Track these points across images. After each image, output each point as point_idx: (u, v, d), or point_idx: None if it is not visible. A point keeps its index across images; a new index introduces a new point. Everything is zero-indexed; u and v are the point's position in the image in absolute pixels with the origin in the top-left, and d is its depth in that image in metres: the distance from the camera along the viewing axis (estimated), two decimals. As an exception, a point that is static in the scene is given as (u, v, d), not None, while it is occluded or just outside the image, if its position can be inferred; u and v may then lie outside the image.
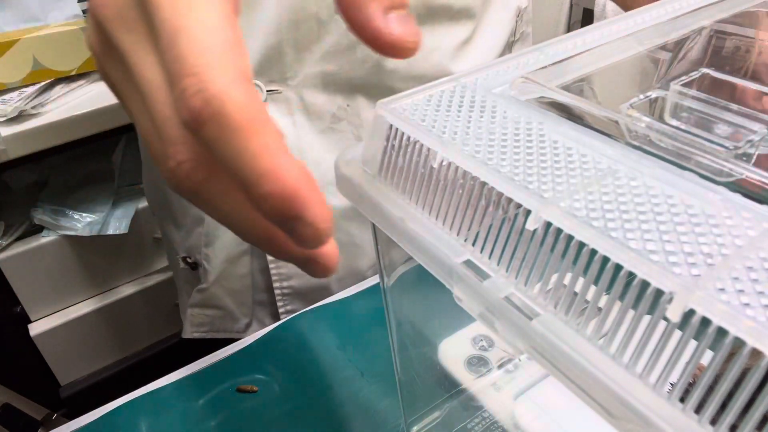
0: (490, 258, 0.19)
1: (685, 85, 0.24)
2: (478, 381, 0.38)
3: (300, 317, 0.49)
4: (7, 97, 0.83)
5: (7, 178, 1.03)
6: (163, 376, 0.45)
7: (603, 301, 0.16)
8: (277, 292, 0.57)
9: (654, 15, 0.29)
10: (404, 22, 0.19)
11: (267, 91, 0.49)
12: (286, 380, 0.44)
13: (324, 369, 0.45)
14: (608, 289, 0.16)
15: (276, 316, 0.61)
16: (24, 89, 0.84)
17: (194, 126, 0.15)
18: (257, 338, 0.48)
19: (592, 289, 0.16)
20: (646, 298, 0.15)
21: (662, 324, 0.14)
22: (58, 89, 0.87)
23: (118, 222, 0.98)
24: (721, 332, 0.13)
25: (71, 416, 0.46)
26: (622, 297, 0.15)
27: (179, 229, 0.60)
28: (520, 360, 0.39)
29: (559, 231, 0.17)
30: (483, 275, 0.18)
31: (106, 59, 0.19)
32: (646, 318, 0.15)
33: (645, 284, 0.15)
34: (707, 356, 0.14)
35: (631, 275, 0.15)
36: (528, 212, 0.17)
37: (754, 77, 0.24)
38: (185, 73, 0.15)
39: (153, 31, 0.17)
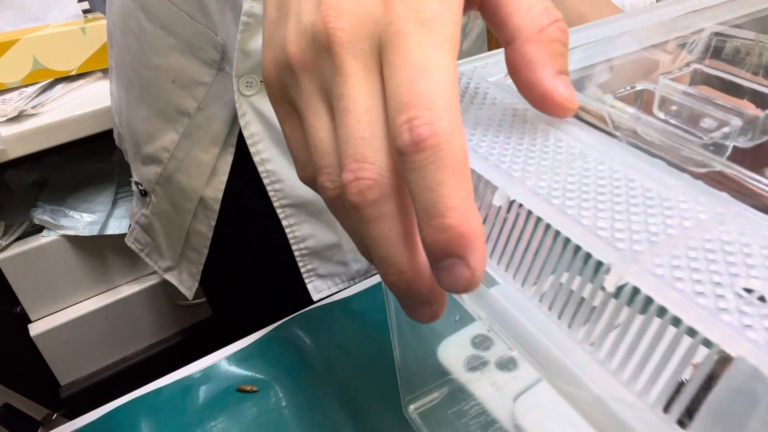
0: None
1: (674, 79, 0.24)
2: (477, 381, 0.38)
3: (300, 317, 0.49)
4: (7, 97, 0.83)
5: (7, 178, 1.03)
6: (163, 376, 0.45)
7: (565, 278, 0.17)
8: (296, 253, 0.59)
9: (657, 15, 0.30)
10: (568, 86, 0.21)
11: (261, 81, 0.51)
12: (286, 380, 0.44)
13: (324, 369, 0.45)
14: (558, 261, 0.17)
15: (195, 277, 0.66)
16: (24, 89, 0.85)
17: (411, 150, 0.17)
18: (257, 338, 0.48)
19: (552, 262, 0.17)
20: (589, 269, 0.16)
21: (601, 293, 0.16)
22: (58, 89, 0.87)
23: (118, 222, 0.98)
24: (649, 301, 0.15)
25: (71, 416, 0.46)
26: (569, 268, 0.17)
27: (137, 157, 0.63)
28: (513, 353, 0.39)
29: (521, 207, 0.18)
30: None
31: (304, 70, 0.20)
32: (592, 289, 0.16)
33: (589, 256, 0.16)
34: (638, 323, 0.15)
35: (578, 248, 0.16)
36: (496, 189, 0.19)
37: (750, 78, 0.24)
38: (420, 107, 0.17)
39: (388, 66, 0.18)
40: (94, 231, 0.95)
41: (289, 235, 0.58)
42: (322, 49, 0.19)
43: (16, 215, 0.98)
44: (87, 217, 0.97)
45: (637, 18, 0.29)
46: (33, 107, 0.81)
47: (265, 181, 0.55)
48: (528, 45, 0.21)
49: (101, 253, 1.01)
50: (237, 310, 0.73)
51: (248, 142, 0.53)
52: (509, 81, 0.24)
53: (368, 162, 0.18)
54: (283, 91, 0.22)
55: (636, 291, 0.15)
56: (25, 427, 0.94)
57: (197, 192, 0.59)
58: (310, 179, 0.22)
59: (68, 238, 0.97)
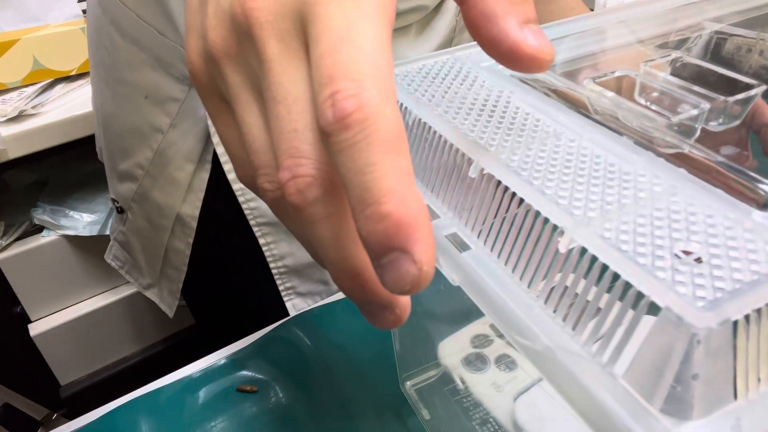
0: (442, 202, 0.22)
1: (655, 66, 0.25)
2: (477, 380, 0.38)
3: (300, 317, 0.49)
4: (7, 97, 0.83)
5: (7, 178, 1.03)
6: (163, 376, 0.45)
7: (527, 241, 0.19)
8: (274, 271, 0.58)
9: (652, 8, 0.30)
10: (539, 35, 0.19)
11: None
12: (286, 380, 0.44)
13: (324, 369, 0.45)
14: (521, 227, 0.19)
15: (176, 295, 0.65)
16: (24, 89, 0.84)
17: (335, 128, 0.15)
18: (257, 338, 0.48)
19: (516, 227, 0.19)
20: (546, 233, 0.18)
21: (555, 254, 0.17)
22: (58, 89, 0.87)
23: (118, 222, 0.98)
24: (594, 260, 0.16)
25: (71, 416, 0.46)
26: (530, 233, 0.18)
27: (113, 173, 0.62)
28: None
29: (491, 178, 0.20)
30: (433, 215, 0.22)
31: (228, 60, 0.18)
32: (548, 251, 0.18)
33: (547, 221, 0.18)
34: (585, 282, 0.17)
35: (538, 214, 0.18)
36: (471, 162, 0.20)
37: (733, 68, 0.25)
38: (343, 78, 0.15)
39: (310, 40, 0.16)
40: (94, 231, 0.95)
41: (267, 254, 0.57)
42: (243, 33, 0.18)
43: (16, 215, 0.98)
44: (87, 217, 0.97)
45: (636, 10, 0.30)
46: (33, 107, 0.81)
47: (240, 199, 0.54)
48: None
49: (101, 253, 1.01)
50: (219, 323, 0.73)
51: (221, 159, 0.52)
52: (501, 66, 0.24)
53: (303, 156, 0.17)
54: (211, 84, 0.20)
55: (584, 251, 0.16)
56: (25, 427, 0.94)
57: (173, 209, 0.57)
58: (249, 180, 0.20)
59: (68, 238, 0.97)
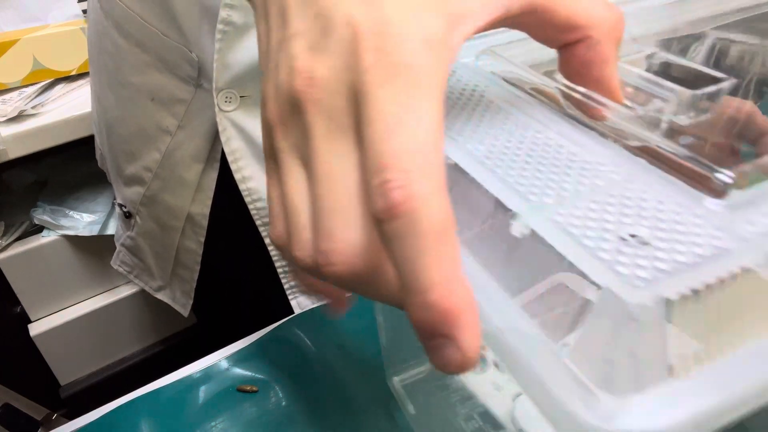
0: None
1: (630, 62, 0.25)
2: (477, 380, 0.38)
3: (300, 317, 0.49)
4: (7, 97, 0.83)
5: (7, 178, 1.03)
6: (164, 376, 0.45)
7: (488, 226, 0.20)
8: (279, 270, 0.59)
9: (649, 4, 0.31)
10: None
11: (240, 97, 0.50)
12: (286, 380, 0.44)
13: (324, 369, 0.45)
14: (484, 212, 0.19)
15: (189, 294, 0.64)
16: (24, 89, 0.84)
17: (385, 216, 0.15)
18: (257, 338, 0.48)
19: (478, 213, 0.20)
20: (506, 218, 0.18)
21: (511, 238, 0.18)
22: (58, 89, 0.87)
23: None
24: (544, 243, 0.17)
25: (71, 416, 0.46)
26: (490, 218, 0.19)
27: (119, 178, 0.62)
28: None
29: (457, 166, 0.20)
30: None
31: (281, 127, 0.19)
32: (504, 235, 0.18)
33: (506, 208, 0.18)
34: (538, 263, 0.18)
35: (498, 201, 0.19)
36: None
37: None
38: (394, 168, 0.15)
39: (363, 121, 0.17)
40: (94, 231, 0.95)
41: (272, 252, 0.57)
42: (295, 106, 0.18)
43: (16, 215, 0.98)
44: (87, 217, 0.97)
45: (632, 6, 0.30)
46: (33, 107, 0.81)
47: (247, 199, 0.54)
48: (605, 42, 0.21)
49: (101, 253, 1.01)
50: (224, 322, 0.73)
51: (229, 159, 0.52)
52: (481, 62, 0.26)
53: (339, 242, 0.17)
54: (270, 144, 0.20)
55: (535, 234, 0.17)
56: (25, 427, 0.94)
57: (184, 209, 0.58)
58: (281, 243, 0.20)
59: (68, 238, 0.97)
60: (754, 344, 0.15)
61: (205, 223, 0.58)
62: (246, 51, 0.47)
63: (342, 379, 0.43)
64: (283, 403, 0.42)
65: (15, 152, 0.79)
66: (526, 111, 0.23)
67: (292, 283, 0.59)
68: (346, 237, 0.17)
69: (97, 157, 0.69)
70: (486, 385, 0.38)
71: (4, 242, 0.94)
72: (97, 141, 0.66)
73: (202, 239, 0.60)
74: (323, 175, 0.17)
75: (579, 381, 0.15)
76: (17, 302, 0.98)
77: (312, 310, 0.50)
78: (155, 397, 0.43)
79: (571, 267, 0.16)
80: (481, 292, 0.18)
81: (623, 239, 0.16)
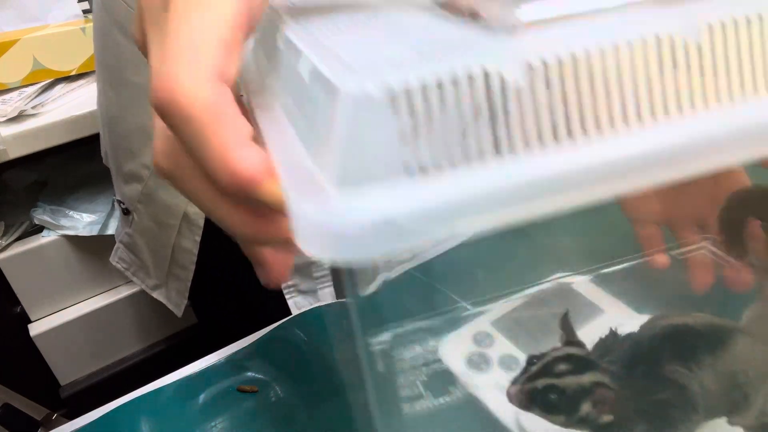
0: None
1: None
2: (479, 379, 0.38)
3: (300, 317, 0.49)
4: (7, 97, 0.83)
5: (7, 178, 1.03)
6: (163, 376, 0.45)
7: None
8: (283, 286, 0.59)
9: None
10: None
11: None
12: (286, 380, 0.44)
13: (324, 369, 0.45)
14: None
15: (184, 294, 0.65)
16: (24, 89, 0.84)
17: (160, 117, 0.17)
18: (257, 338, 0.48)
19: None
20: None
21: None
22: (58, 89, 0.87)
23: (118, 222, 0.98)
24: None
25: (71, 416, 0.46)
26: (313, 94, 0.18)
27: (119, 175, 0.62)
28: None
29: (290, 43, 0.20)
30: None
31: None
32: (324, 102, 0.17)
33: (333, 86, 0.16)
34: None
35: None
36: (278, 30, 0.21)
37: None
38: (164, 67, 0.17)
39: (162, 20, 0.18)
40: (94, 231, 0.95)
41: None
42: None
43: (16, 215, 0.98)
44: (87, 217, 0.97)
45: None
46: (33, 107, 0.81)
47: None
48: None
49: (101, 253, 1.01)
50: (223, 321, 0.73)
51: None
52: None
53: (157, 131, 0.20)
54: None
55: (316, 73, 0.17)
56: (25, 427, 0.94)
57: (180, 208, 0.58)
58: None
59: (68, 238, 0.97)
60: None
61: (201, 222, 0.58)
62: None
63: (342, 378, 0.43)
64: (283, 403, 0.42)
65: (15, 152, 0.79)
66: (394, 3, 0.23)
67: (289, 283, 0.59)
68: (156, 145, 0.20)
69: (102, 154, 0.69)
70: (489, 386, 0.38)
71: (4, 242, 0.94)
72: (101, 137, 0.67)
73: (198, 238, 0.59)
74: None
75: (313, 179, 0.15)
76: (17, 302, 0.98)
77: (312, 310, 0.50)
78: (155, 397, 0.43)
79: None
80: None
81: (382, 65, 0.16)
